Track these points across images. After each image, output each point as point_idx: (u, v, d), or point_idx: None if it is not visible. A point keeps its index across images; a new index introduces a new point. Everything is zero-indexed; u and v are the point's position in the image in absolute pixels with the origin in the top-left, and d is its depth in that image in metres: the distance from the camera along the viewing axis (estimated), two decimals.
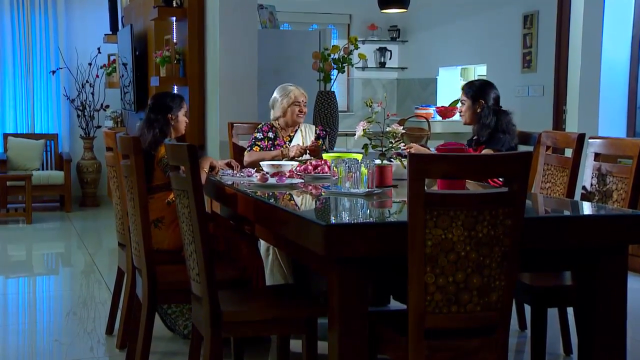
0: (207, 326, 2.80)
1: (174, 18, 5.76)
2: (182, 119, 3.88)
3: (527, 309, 3.67)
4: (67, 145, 8.96)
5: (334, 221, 2.66)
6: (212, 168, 3.89)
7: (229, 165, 4.00)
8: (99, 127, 8.60)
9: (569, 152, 3.74)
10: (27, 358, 3.94)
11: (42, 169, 8.63)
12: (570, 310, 3.69)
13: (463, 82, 8.43)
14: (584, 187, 3.51)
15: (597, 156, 3.48)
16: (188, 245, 2.91)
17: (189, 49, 5.51)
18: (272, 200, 3.13)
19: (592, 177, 3.47)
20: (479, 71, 8.47)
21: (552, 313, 3.78)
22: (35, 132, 8.84)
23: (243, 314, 2.83)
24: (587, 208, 3.12)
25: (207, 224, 2.79)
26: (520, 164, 2.42)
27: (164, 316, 4.01)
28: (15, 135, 8.68)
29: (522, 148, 4.14)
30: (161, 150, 3.71)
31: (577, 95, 6.30)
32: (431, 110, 8.35)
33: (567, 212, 3.11)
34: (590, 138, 3.57)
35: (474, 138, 4.15)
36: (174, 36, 5.91)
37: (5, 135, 8.64)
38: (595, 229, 2.71)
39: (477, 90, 4.13)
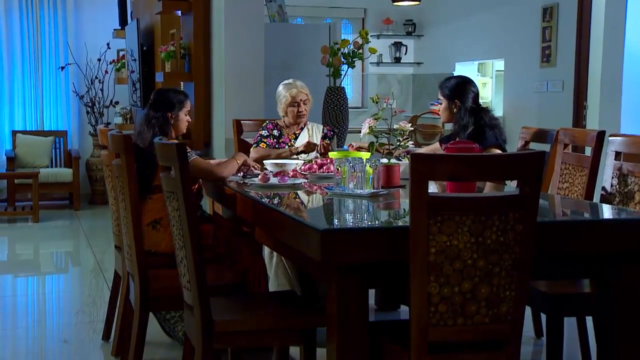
0: (198, 336, 2.64)
1: (180, 11, 5.61)
2: (183, 118, 3.70)
3: (544, 315, 3.48)
4: (77, 142, 8.86)
5: (331, 225, 2.49)
6: (246, 165, 3.67)
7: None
8: (108, 123, 8.47)
9: (589, 151, 3.54)
10: (36, 358, 3.87)
11: (51, 167, 8.53)
12: (589, 318, 3.49)
13: (482, 78, 8.24)
14: (603, 188, 3.33)
15: (618, 155, 3.30)
16: (179, 251, 2.75)
17: (194, 43, 5.35)
18: (269, 202, 2.96)
19: (613, 178, 3.28)
20: (496, 66, 8.28)
21: (570, 320, 3.61)
22: (44, 129, 8.74)
23: (236, 324, 2.66)
24: (606, 211, 2.95)
25: (198, 228, 2.62)
26: (532, 164, 2.23)
27: (162, 322, 3.86)
28: (24, 132, 8.59)
29: (539, 146, 3.95)
30: None
31: (599, 90, 6.08)
32: None
33: (585, 215, 2.94)
34: (610, 136, 3.38)
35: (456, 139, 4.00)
36: (181, 30, 5.75)
37: (14, 132, 8.55)
38: (616, 234, 2.54)
39: (452, 90, 4.00)
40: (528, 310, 3.24)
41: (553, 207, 3.08)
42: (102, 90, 8.58)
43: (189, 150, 3.47)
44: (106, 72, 8.57)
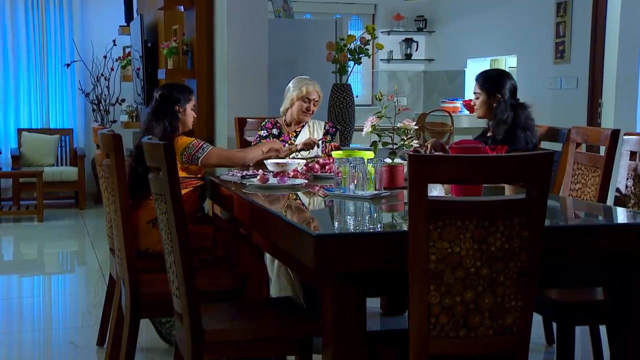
0: (187, 346, 2.51)
1: (182, 7, 5.48)
2: (190, 112, 3.60)
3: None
4: (83, 141, 8.75)
5: (326, 230, 2.36)
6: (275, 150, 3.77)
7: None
8: (114, 121, 8.37)
9: (603, 151, 3.38)
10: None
11: (57, 165, 8.43)
12: (603, 326, 3.34)
13: None
14: (617, 190, 3.17)
15: (633, 155, 3.16)
16: (167, 256, 2.62)
17: (197, 39, 5.22)
18: (264, 204, 2.83)
19: (627, 179, 3.14)
20: (509, 62, 8.12)
21: (584, 328, 3.46)
22: (50, 127, 8.63)
23: (228, 334, 2.53)
24: (621, 214, 2.79)
25: (186, 232, 2.48)
26: (540, 166, 2.09)
27: (158, 325, 3.74)
28: (30, 130, 8.49)
29: (550, 145, 3.79)
30: (179, 142, 3.45)
31: (614, 87, 5.92)
32: (458, 103, 8.03)
33: (598, 219, 2.79)
34: (625, 134, 3.22)
35: (489, 135, 3.81)
36: (184, 26, 5.63)
37: (19, 131, 8.45)
38: (630, 239, 2.39)
39: (493, 83, 3.80)
40: (538, 317, 3.09)
41: (564, 210, 2.94)
42: (108, 87, 8.46)
43: (201, 142, 3.44)
44: (112, 69, 8.46)
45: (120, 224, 2.95)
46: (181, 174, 3.38)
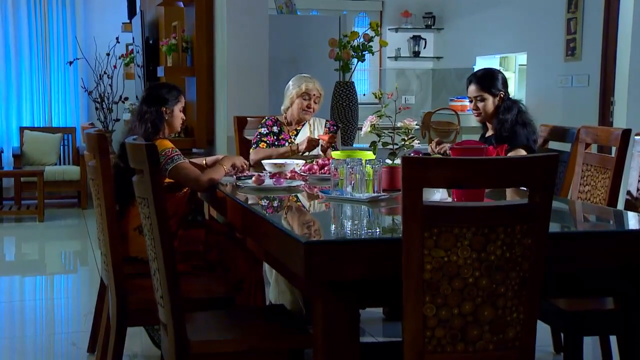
0: (171, 358, 2.38)
1: (182, 3, 5.37)
2: (177, 114, 3.46)
3: None
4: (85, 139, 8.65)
5: (316, 237, 2.22)
6: (235, 167, 3.42)
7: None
8: (117, 120, 8.26)
9: (614, 151, 3.24)
10: None
11: (59, 164, 8.33)
12: (614, 337, 3.20)
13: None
14: (628, 192, 3.03)
15: None
16: (152, 262, 2.49)
17: (197, 36, 5.11)
18: (256, 207, 2.70)
19: (639, 181, 2.97)
20: (519, 60, 7.96)
21: (594, 337, 3.32)
22: (53, 126, 8.54)
23: (214, 345, 2.41)
24: (632, 219, 2.65)
25: (170, 237, 2.36)
26: (544, 169, 1.94)
27: (151, 332, 3.63)
28: (32, 128, 8.40)
29: (559, 145, 3.64)
30: (158, 147, 3.29)
31: (627, 85, 5.76)
32: (467, 102, 7.86)
33: (607, 224, 2.65)
34: (637, 134, 3.07)
35: (489, 135, 3.66)
36: (184, 23, 5.52)
37: (22, 129, 8.36)
38: None
39: (492, 81, 3.68)
40: (544, 325, 2.95)
41: (572, 214, 2.79)
42: (111, 85, 8.34)
43: (174, 153, 3.23)
44: (115, 67, 8.34)
45: (106, 228, 2.83)
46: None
